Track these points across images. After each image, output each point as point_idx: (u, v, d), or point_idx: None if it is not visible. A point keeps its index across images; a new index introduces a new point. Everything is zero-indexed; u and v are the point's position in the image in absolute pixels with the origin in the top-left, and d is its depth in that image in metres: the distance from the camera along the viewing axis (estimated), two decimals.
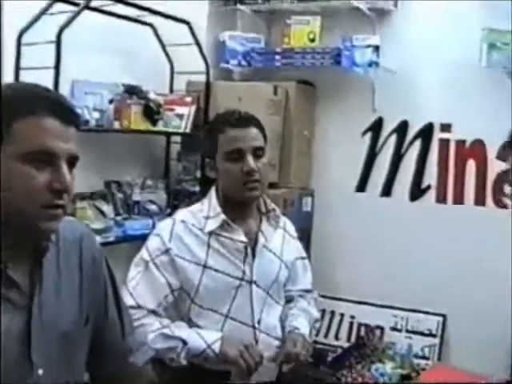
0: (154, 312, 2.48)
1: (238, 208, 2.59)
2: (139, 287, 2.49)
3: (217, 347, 2.42)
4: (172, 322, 2.51)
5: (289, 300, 2.83)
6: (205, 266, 2.52)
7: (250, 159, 2.51)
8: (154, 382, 2.08)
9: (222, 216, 2.55)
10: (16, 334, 1.57)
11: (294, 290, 2.84)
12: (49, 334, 1.64)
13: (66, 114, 1.60)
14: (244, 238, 2.56)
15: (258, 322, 2.59)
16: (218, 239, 2.56)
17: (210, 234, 2.56)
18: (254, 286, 2.58)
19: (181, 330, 2.48)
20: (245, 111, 2.63)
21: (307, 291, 2.91)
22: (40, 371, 1.61)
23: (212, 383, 2.51)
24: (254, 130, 2.57)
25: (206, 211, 2.59)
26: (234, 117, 2.58)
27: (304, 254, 2.92)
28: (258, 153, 2.55)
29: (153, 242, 2.57)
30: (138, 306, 2.45)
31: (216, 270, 2.53)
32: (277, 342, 2.63)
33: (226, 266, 2.55)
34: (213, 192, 2.64)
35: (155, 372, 2.41)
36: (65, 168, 1.56)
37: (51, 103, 1.58)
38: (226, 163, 2.54)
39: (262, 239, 2.62)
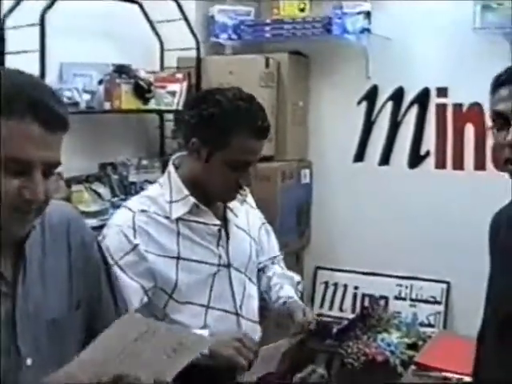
0: None
1: (204, 189, 2.34)
2: None
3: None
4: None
5: (260, 270, 2.64)
6: (178, 258, 2.29)
7: (250, 174, 2.31)
8: None
9: (191, 199, 2.30)
10: (3, 323, 1.52)
11: (263, 261, 2.64)
12: (36, 322, 1.59)
13: (50, 118, 1.45)
14: (217, 221, 2.34)
15: (240, 308, 2.42)
16: (187, 225, 2.31)
17: (178, 220, 2.30)
18: (232, 270, 2.40)
19: None
20: (263, 111, 2.32)
21: (276, 256, 2.72)
22: (28, 361, 1.56)
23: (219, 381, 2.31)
24: (264, 142, 2.32)
25: (169, 195, 2.31)
26: (257, 123, 2.25)
27: (264, 220, 2.67)
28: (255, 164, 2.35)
29: (114, 241, 2.25)
30: None
31: (191, 260, 2.31)
32: (258, 327, 2.48)
33: (201, 253, 2.32)
34: (172, 171, 2.36)
35: None
36: (38, 177, 1.45)
37: (34, 105, 1.42)
38: (226, 168, 2.25)
39: (231, 217, 2.43)
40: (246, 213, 2.54)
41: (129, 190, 3.83)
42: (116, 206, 3.57)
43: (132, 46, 3.94)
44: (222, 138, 2.23)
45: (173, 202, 2.31)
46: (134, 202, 2.37)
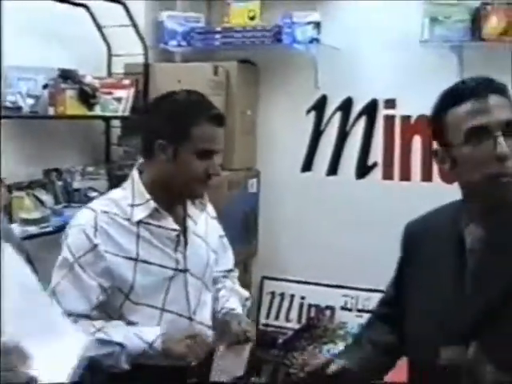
0: (86, 316, 2.29)
1: (166, 194, 2.39)
2: (67, 293, 2.28)
3: (158, 345, 2.27)
4: (107, 322, 2.33)
5: (213, 282, 2.68)
6: (136, 260, 2.33)
7: (217, 162, 2.36)
8: None
9: (152, 203, 2.35)
10: None
11: (216, 271, 2.67)
12: None
13: None
14: (176, 226, 2.39)
15: (194, 313, 2.46)
16: (147, 228, 2.35)
17: (139, 223, 2.34)
18: (188, 275, 2.43)
19: (117, 331, 2.29)
20: (213, 103, 2.43)
21: (229, 271, 2.77)
22: None
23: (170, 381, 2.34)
24: (223, 131, 2.40)
25: (131, 198, 2.36)
26: (212, 111, 2.36)
27: (222, 233, 2.72)
28: (218, 153, 2.39)
29: (75, 240, 2.31)
30: (69, 314, 2.19)
31: (148, 263, 2.34)
32: (210, 333, 2.51)
33: (158, 256, 2.36)
34: (136, 176, 2.40)
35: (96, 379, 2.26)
36: None
37: None
38: (194, 159, 2.31)
39: (191, 224, 2.47)
40: (205, 221, 2.57)
41: (72, 197, 3.79)
42: (58, 214, 3.52)
43: (79, 51, 3.88)
44: (184, 132, 2.31)
45: (134, 206, 2.36)
46: (97, 203, 2.42)
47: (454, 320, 1.75)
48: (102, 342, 2.23)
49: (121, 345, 2.25)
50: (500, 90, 1.74)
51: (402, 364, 1.98)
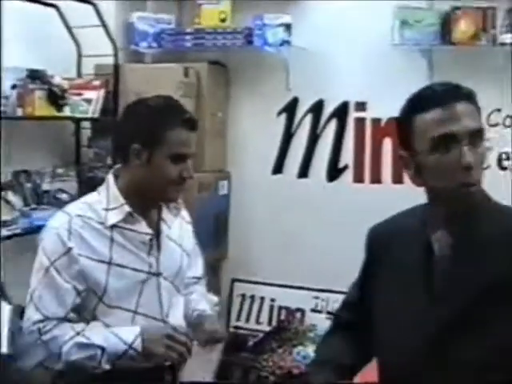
0: (64, 319, 2.31)
1: (143, 199, 2.41)
2: (44, 298, 2.30)
3: (138, 346, 2.29)
4: (87, 325, 2.35)
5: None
6: (110, 263, 2.35)
7: (190, 165, 2.39)
8: None
9: (126, 208, 2.36)
10: None
11: (187, 277, 2.70)
12: None
13: None
14: (149, 230, 2.41)
15: (167, 316, 2.48)
16: (121, 232, 2.37)
17: (112, 227, 2.36)
18: (160, 279, 2.46)
19: (97, 333, 2.31)
20: (185, 108, 2.47)
21: (199, 278, 2.81)
22: None
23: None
24: (195, 135, 2.44)
25: (106, 202, 2.38)
26: (185, 115, 2.40)
27: (195, 240, 2.77)
28: (192, 157, 2.44)
29: (50, 243, 2.34)
30: (46, 318, 2.28)
31: (121, 266, 2.37)
32: (187, 331, 2.52)
33: (132, 260, 2.38)
34: (111, 180, 2.43)
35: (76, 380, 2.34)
36: None
37: None
38: (168, 163, 2.34)
39: (164, 229, 2.49)
40: (179, 226, 2.60)
41: (42, 198, 3.74)
42: (27, 216, 3.49)
43: (49, 52, 3.85)
44: (159, 136, 2.34)
45: (109, 210, 2.38)
46: (72, 207, 2.44)
47: (421, 327, 1.75)
48: (83, 346, 2.26)
49: (101, 347, 2.27)
50: (467, 96, 1.72)
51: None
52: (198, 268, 2.79)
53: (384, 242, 1.95)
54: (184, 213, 2.67)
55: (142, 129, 2.37)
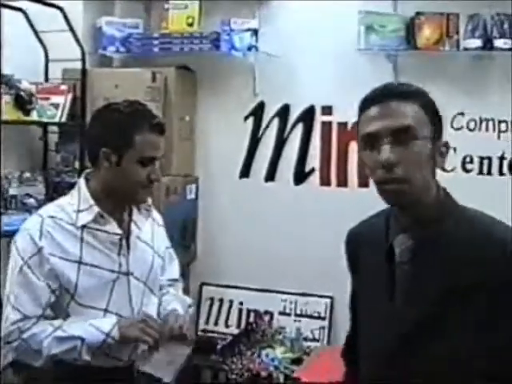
0: (42, 317, 2.38)
1: (111, 200, 2.48)
2: (20, 297, 2.38)
3: (115, 333, 2.38)
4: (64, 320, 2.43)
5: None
6: (80, 263, 2.42)
7: (158, 168, 2.46)
8: None
9: (96, 208, 2.44)
10: None
11: (162, 280, 2.77)
12: None
13: None
14: (119, 230, 2.48)
15: (138, 314, 2.53)
16: (91, 233, 2.45)
17: (83, 227, 2.44)
18: (131, 278, 2.52)
19: (75, 326, 2.39)
20: (153, 112, 2.54)
21: (175, 280, 2.88)
22: None
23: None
24: (163, 138, 2.50)
25: (77, 204, 2.45)
26: (154, 120, 2.46)
27: (169, 244, 2.85)
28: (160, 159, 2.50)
29: (23, 243, 2.42)
30: (25, 317, 2.36)
31: (92, 265, 2.44)
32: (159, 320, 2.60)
33: (102, 259, 2.45)
34: (82, 183, 2.51)
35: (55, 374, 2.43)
36: None
37: None
38: (137, 166, 2.41)
39: (135, 230, 2.56)
40: (151, 228, 2.68)
41: (9, 203, 3.72)
42: None
43: (16, 56, 3.80)
44: (127, 140, 2.40)
45: (79, 212, 2.45)
46: (45, 209, 2.53)
47: (383, 333, 1.76)
48: (63, 339, 2.36)
49: (81, 338, 2.36)
50: (403, 95, 1.71)
51: None
52: (173, 270, 2.86)
53: (356, 246, 1.96)
54: (156, 216, 2.75)
55: (112, 133, 2.43)
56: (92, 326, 2.39)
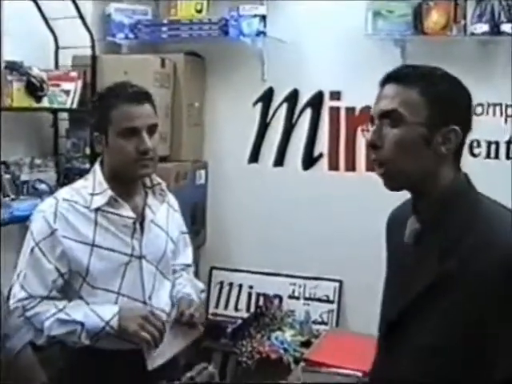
0: (47, 298, 2.43)
1: (124, 184, 2.51)
2: (28, 277, 2.43)
3: (115, 323, 2.40)
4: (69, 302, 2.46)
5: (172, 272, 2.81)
6: (93, 245, 2.45)
7: (146, 138, 2.42)
8: (32, 366, 2.10)
9: (109, 192, 2.47)
10: None
11: (175, 264, 2.79)
12: None
13: None
14: (132, 214, 2.50)
15: (149, 298, 2.56)
16: (105, 216, 2.48)
17: (97, 210, 2.47)
18: (143, 261, 2.54)
19: (77, 310, 2.43)
20: (136, 85, 2.52)
21: (188, 265, 2.90)
22: None
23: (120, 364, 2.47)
24: (147, 107, 2.47)
25: (91, 188, 2.50)
26: (127, 91, 2.46)
27: (185, 229, 2.87)
28: (152, 129, 2.47)
29: (37, 225, 2.47)
30: (30, 296, 2.41)
31: (105, 248, 2.47)
32: (165, 316, 2.60)
33: (115, 242, 2.49)
34: (97, 167, 2.54)
35: (60, 356, 2.52)
36: None
37: None
38: (120, 140, 2.42)
39: (149, 214, 2.58)
40: (166, 212, 2.69)
41: (21, 189, 3.75)
42: (6, 206, 3.50)
43: (26, 43, 3.83)
44: (105, 118, 2.44)
45: (94, 195, 2.48)
46: (61, 192, 2.57)
47: (387, 313, 1.81)
48: (63, 322, 2.40)
49: (81, 323, 2.40)
50: (403, 79, 1.71)
51: None
52: (186, 257, 2.89)
53: (390, 226, 1.97)
54: (172, 200, 2.77)
55: (95, 117, 2.52)
56: (94, 312, 2.42)
